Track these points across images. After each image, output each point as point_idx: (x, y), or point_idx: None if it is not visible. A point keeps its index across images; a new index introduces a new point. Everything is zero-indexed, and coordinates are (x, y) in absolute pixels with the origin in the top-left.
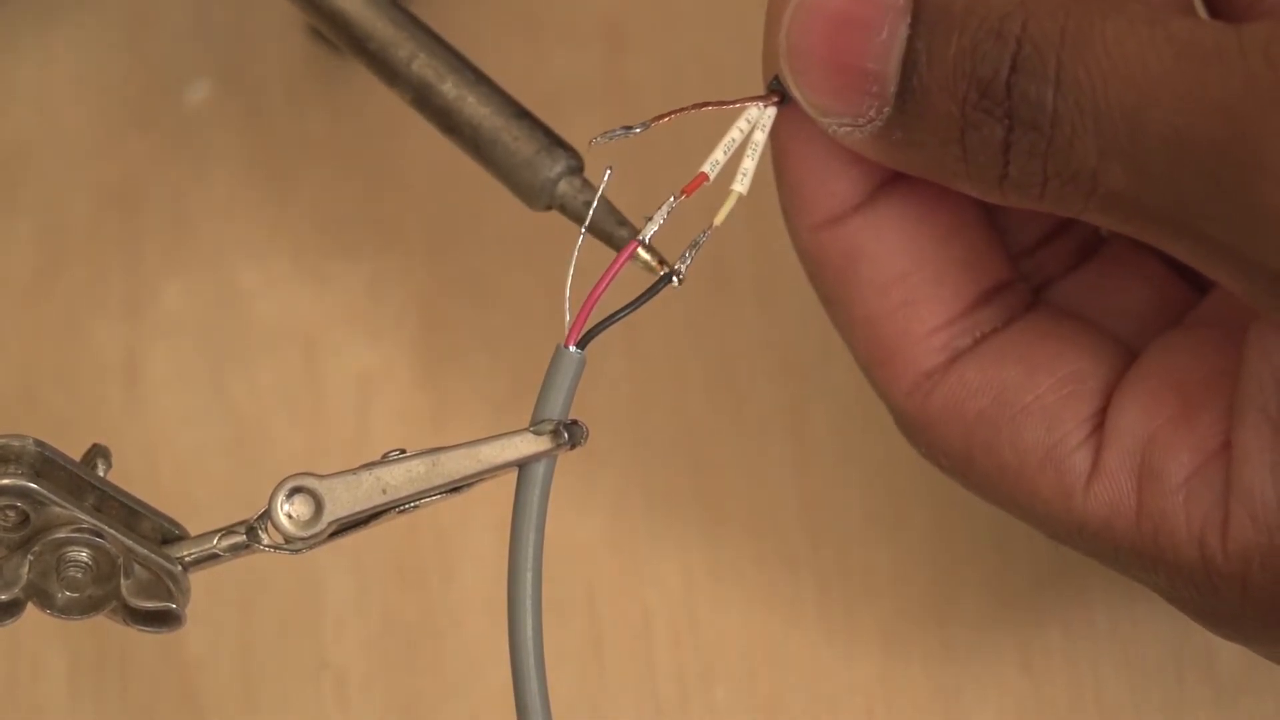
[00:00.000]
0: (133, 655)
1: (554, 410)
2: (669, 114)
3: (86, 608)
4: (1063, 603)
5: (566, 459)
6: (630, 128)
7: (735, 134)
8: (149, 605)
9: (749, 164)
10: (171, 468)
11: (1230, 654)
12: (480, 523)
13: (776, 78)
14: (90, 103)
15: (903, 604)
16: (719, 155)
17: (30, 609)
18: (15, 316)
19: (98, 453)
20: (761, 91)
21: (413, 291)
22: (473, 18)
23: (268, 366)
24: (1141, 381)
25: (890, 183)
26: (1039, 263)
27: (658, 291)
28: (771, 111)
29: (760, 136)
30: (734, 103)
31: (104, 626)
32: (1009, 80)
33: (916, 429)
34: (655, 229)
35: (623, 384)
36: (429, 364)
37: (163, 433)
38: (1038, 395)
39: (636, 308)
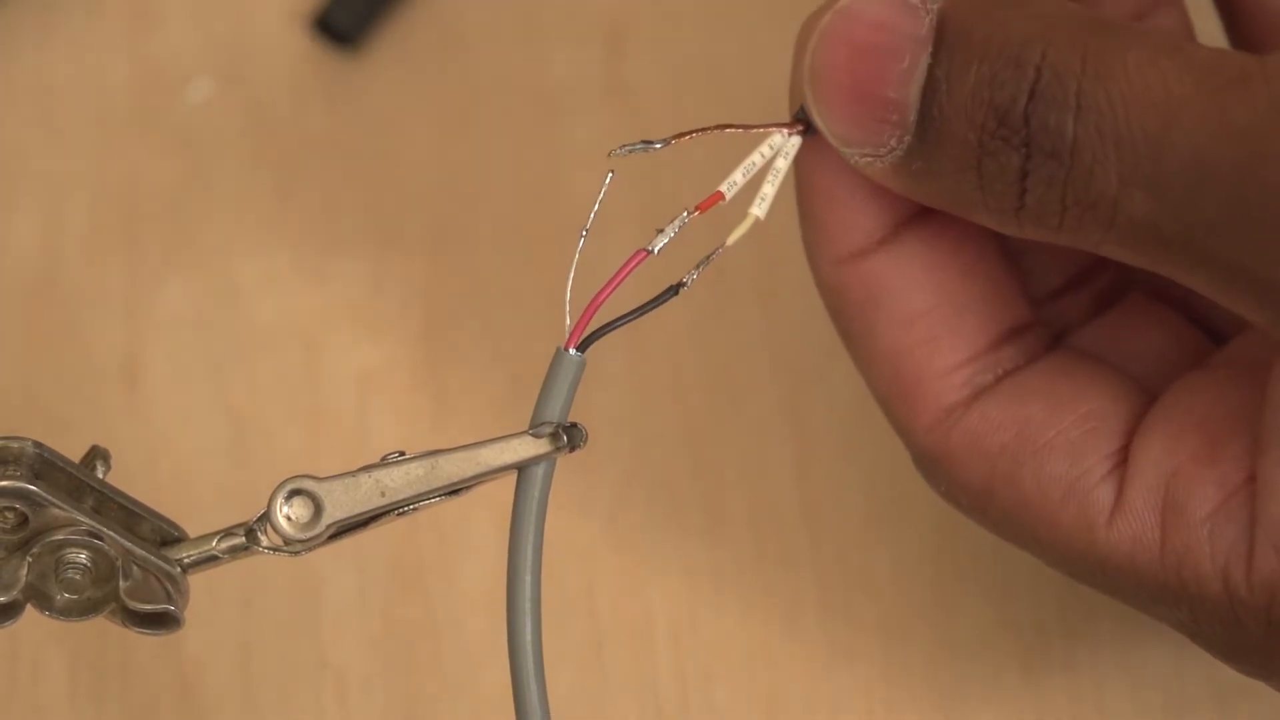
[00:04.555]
0: (133, 655)
1: (553, 413)
2: (691, 133)
3: (85, 609)
4: (1063, 604)
5: (567, 459)
6: (651, 143)
7: (756, 158)
8: (147, 607)
9: (769, 189)
10: (171, 468)
11: None
12: (480, 523)
13: (803, 107)
14: (90, 103)
15: (903, 604)
16: (738, 177)
17: (29, 610)
18: (15, 316)
19: (97, 454)
20: (785, 118)
21: (413, 291)
22: (473, 18)
23: (268, 366)
24: (1164, 419)
25: (914, 220)
26: (1059, 310)
27: (662, 302)
28: (796, 140)
29: (783, 164)
30: (758, 127)
31: (104, 627)
32: (1027, 108)
33: (936, 464)
34: (665, 242)
35: (623, 384)
36: (429, 364)
37: (163, 433)
38: (1061, 430)
39: (638, 316)
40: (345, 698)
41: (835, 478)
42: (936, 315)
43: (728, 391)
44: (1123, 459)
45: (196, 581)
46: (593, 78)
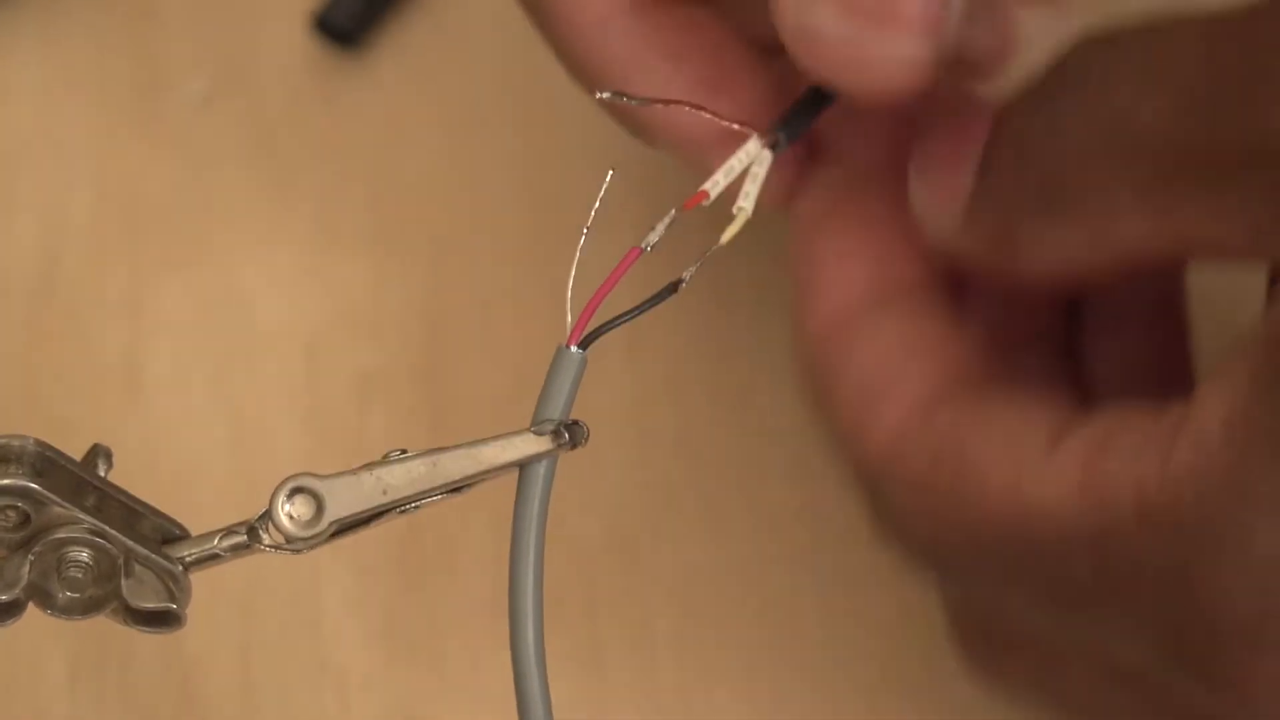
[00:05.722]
0: (133, 655)
1: (555, 410)
2: (666, 101)
3: (87, 608)
4: None
5: (567, 459)
6: (631, 97)
7: (734, 162)
8: (149, 605)
9: (751, 188)
10: (171, 468)
11: None
12: (481, 523)
13: (778, 122)
14: (90, 102)
15: (903, 605)
16: (719, 177)
17: (30, 610)
18: (16, 316)
19: (98, 453)
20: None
21: (414, 291)
22: (473, 18)
23: (268, 367)
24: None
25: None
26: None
27: (661, 300)
28: (768, 155)
29: (759, 171)
30: (729, 122)
31: (104, 627)
32: None
33: (889, 467)
34: (656, 239)
35: (623, 385)
36: (429, 365)
37: (163, 433)
38: (1009, 399)
39: (639, 314)
40: (345, 698)
41: (835, 478)
42: (903, 354)
43: (727, 392)
44: (1068, 428)
45: (198, 581)
46: None
